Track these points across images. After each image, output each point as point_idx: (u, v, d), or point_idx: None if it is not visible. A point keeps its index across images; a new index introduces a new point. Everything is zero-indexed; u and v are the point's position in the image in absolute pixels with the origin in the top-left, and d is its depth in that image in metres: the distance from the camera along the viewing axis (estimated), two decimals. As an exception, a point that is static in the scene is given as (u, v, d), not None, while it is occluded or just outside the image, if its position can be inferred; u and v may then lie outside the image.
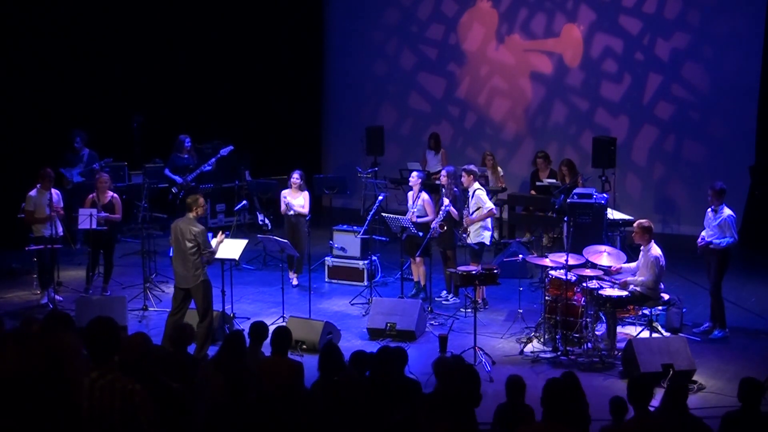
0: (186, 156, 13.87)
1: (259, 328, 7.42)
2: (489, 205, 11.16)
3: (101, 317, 4.74)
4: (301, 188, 12.06)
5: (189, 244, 9.20)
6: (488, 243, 11.41)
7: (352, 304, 11.52)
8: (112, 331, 4.67)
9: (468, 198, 11.17)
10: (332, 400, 6.11)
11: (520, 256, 11.57)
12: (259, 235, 11.93)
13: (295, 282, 12.19)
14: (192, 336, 7.43)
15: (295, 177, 12.07)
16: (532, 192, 14.37)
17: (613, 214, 12.18)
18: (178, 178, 13.61)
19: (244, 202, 13.45)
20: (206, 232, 9.41)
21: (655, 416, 5.67)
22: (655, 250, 9.65)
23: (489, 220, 11.36)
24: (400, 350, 6.79)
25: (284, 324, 9.37)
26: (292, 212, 11.97)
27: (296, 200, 11.99)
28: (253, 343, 7.35)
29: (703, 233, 10.35)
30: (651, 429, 5.61)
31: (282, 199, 12.12)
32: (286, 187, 12.24)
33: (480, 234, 11.16)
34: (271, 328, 7.46)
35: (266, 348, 7.59)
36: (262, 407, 5.82)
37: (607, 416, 6.57)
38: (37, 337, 2.83)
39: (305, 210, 12.00)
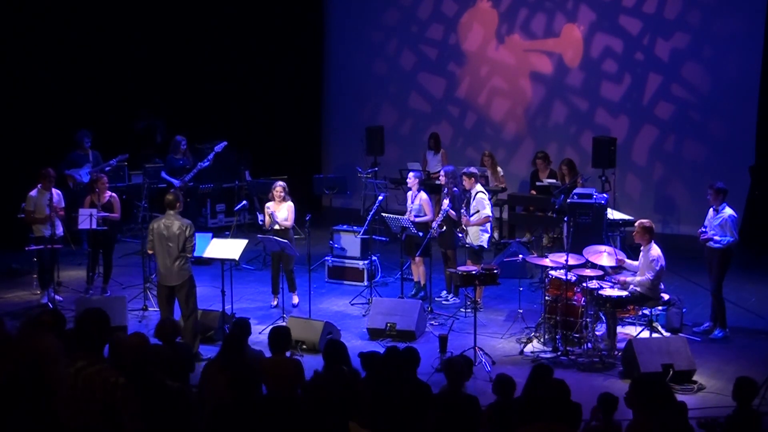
0: (181, 158, 13.85)
1: (241, 325, 7.42)
2: (487, 211, 11.14)
3: (92, 309, 4.80)
4: (284, 200, 11.23)
5: (178, 239, 9.19)
6: (486, 246, 11.40)
7: (352, 304, 11.52)
8: (102, 323, 4.72)
9: (469, 199, 11.16)
10: (334, 399, 6.11)
11: (520, 256, 11.57)
12: (259, 235, 11.90)
13: (295, 300, 11.46)
14: (176, 330, 7.43)
15: (278, 189, 11.21)
16: (532, 192, 14.37)
17: (613, 214, 12.18)
18: (175, 181, 13.57)
19: (244, 202, 13.45)
20: (193, 226, 9.40)
21: (657, 419, 5.65)
22: (655, 250, 9.65)
23: (488, 223, 11.36)
24: (412, 351, 6.77)
25: (282, 323, 9.38)
26: (276, 226, 11.14)
27: (279, 213, 11.17)
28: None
29: (703, 229, 10.36)
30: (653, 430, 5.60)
31: (266, 212, 11.26)
32: (269, 200, 11.39)
33: (479, 237, 11.15)
34: (270, 329, 7.46)
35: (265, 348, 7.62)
36: (265, 406, 5.82)
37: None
38: (14, 342, 2.82)
39: (288, 223, 11.19)
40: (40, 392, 2.84)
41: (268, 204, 11.37)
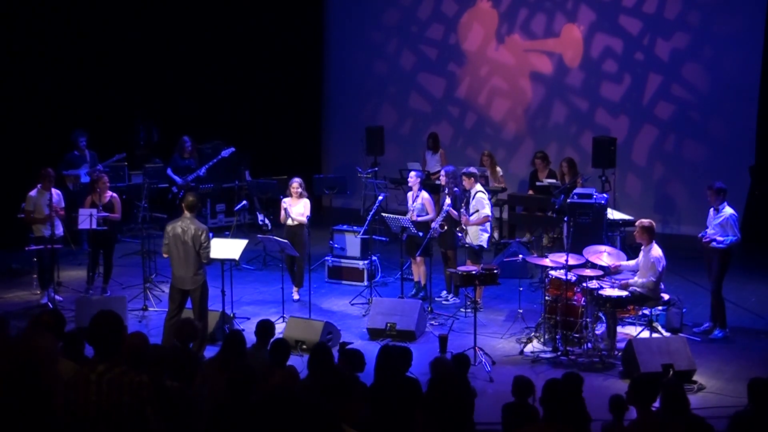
0: (188, 158, 13.88)
1: (265, 327, 7.42)
2: (487, 211, 11.14)
3: (104, 311, 4.75)
4: (301, 195, 11.46)
5: (194, 243, 9.10)
6: (486, 246, 11.40)
7: (352, 304, 11.52)
8: (117, 325, 4.69)
9: (469, 198, 11.16)
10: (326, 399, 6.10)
11: (520, 256, 11.57)
12: (259, 235, 11.92)
13: (296, 296, 11.65)
14: (195, 331, 7.39)
15: (295, 185, 11.46)
16: (530, 192, 14.38)
17: (613, 214, 12.18)
18: (178, 179, 13.65)
19: (244, 202, 13.45)
20: (208, 231, 9.35)
21: (658, 417, 5.65)
22: (656, 251, 9.64)
23: (488, 223, 11.36)
24: (405, 350, 6.80)
25: (281, 336, 9.30)
26: (290, 221, 11.39)
27: (295, 208, 11.40)
28: (259, 342, 7.37)
29: (706, 231, 10.35)
30: (655, 430, 5.60)
31: (282, 207, 11.54)
32: (286, 195, 11.63)
33: (479, 237, 11.15)
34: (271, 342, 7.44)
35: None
36: (264, 407, 5.81)
37: (606, 416, 6.56)
38: (11, 342, 2.82)
39: (304, 218, 11.38)
40: (37, 392, 2.84)
41: (285, 199, 11.52)
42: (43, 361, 2.84)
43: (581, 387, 6.47)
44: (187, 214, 9.25)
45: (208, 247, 9.21)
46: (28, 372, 2.79)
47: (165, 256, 9.44)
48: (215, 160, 13.81)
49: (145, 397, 4.47)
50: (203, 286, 9.33)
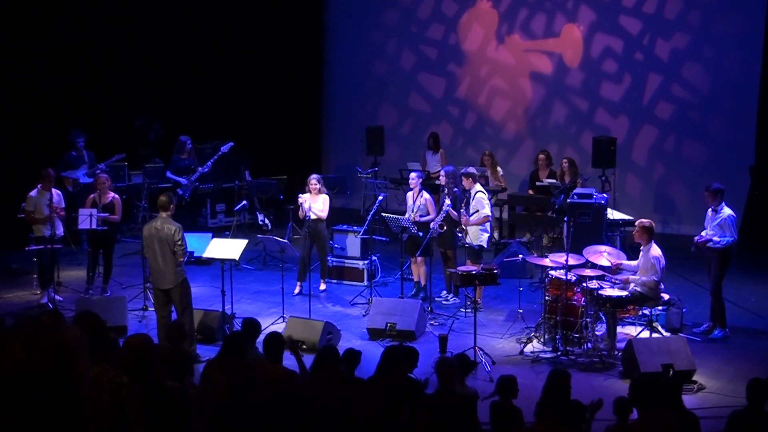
0: (187, 158, 13.86)
1: (251, 325, 7.43)
2: (486, 211, 11.14)
3: (85, 311, 4.79)
4: (320, 192, 11.64)
5: (168, 243, 9.09)
6: (486, 246, 11.41)
7: (352, 304, 11.52)
8: (98, 324, 4.70)
9: (469, 198, 11.16)
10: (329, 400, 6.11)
11: (520, 256, 11.57)
12: (259, 235, 11.93)
13: (323, 286, 11.94)
14: (182, 334, 7.39)
15: (313, 181, 11.59)
16: (530, 192, 14.38)
17: (613, 214, 12.19)
18: (182, 180, 13.61)
19: (244, 202, 13.45)
20: (182, 229, 9.30)
21: (659, 417, 5.65)
22: (655, 250, 9.64)
23: (488, 223, 11.36)
24: (411, 350, 6.83)
25: (276, 330, 9.29)
26: (310, 217, 11.39)
27: (315, 204, 11.50)
28: (246, 341, 7.37)
29: (704, 232, 10.35)
30: (656, 430, 5.61)
31: (300, 204, 11.55)
32: (304, 191, 11.69)
33: (479, 237, 11.15)
34: (271, 328, 7.46)
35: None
36: (264, 408, 5.82)
37: (608, 416, 6.55)
38: (43, 331, 2.80)
39: (324, 214, 11.51)
40: (66, 382, 2.83)
41: (303, 196, 11.58)
42: (73, 351, 2.82)
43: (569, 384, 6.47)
44: (162, 213, 9.25)
45: (182, 245, 9.17)
46: (59, 361, 2.78)
47: (146, 256, 9.52)
48: (216, 157, 13.80)
49: (124, 395, 4.47)
50: (183, 283, 9.26)
